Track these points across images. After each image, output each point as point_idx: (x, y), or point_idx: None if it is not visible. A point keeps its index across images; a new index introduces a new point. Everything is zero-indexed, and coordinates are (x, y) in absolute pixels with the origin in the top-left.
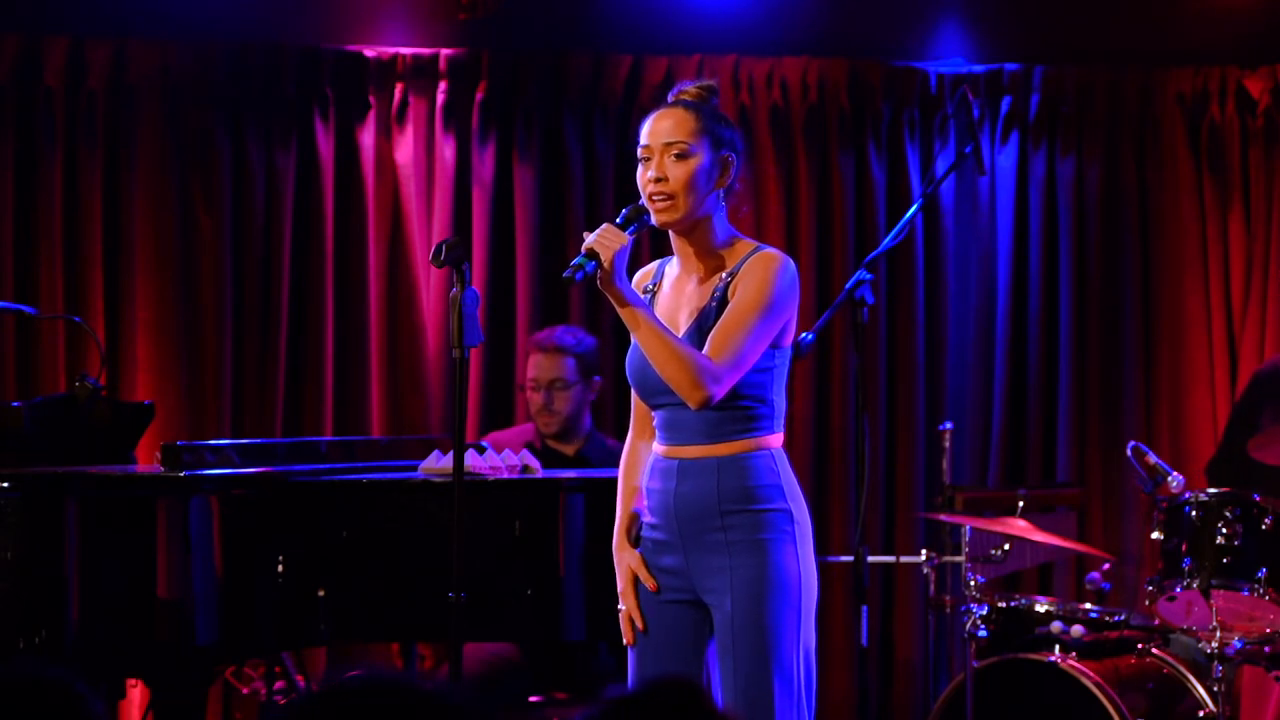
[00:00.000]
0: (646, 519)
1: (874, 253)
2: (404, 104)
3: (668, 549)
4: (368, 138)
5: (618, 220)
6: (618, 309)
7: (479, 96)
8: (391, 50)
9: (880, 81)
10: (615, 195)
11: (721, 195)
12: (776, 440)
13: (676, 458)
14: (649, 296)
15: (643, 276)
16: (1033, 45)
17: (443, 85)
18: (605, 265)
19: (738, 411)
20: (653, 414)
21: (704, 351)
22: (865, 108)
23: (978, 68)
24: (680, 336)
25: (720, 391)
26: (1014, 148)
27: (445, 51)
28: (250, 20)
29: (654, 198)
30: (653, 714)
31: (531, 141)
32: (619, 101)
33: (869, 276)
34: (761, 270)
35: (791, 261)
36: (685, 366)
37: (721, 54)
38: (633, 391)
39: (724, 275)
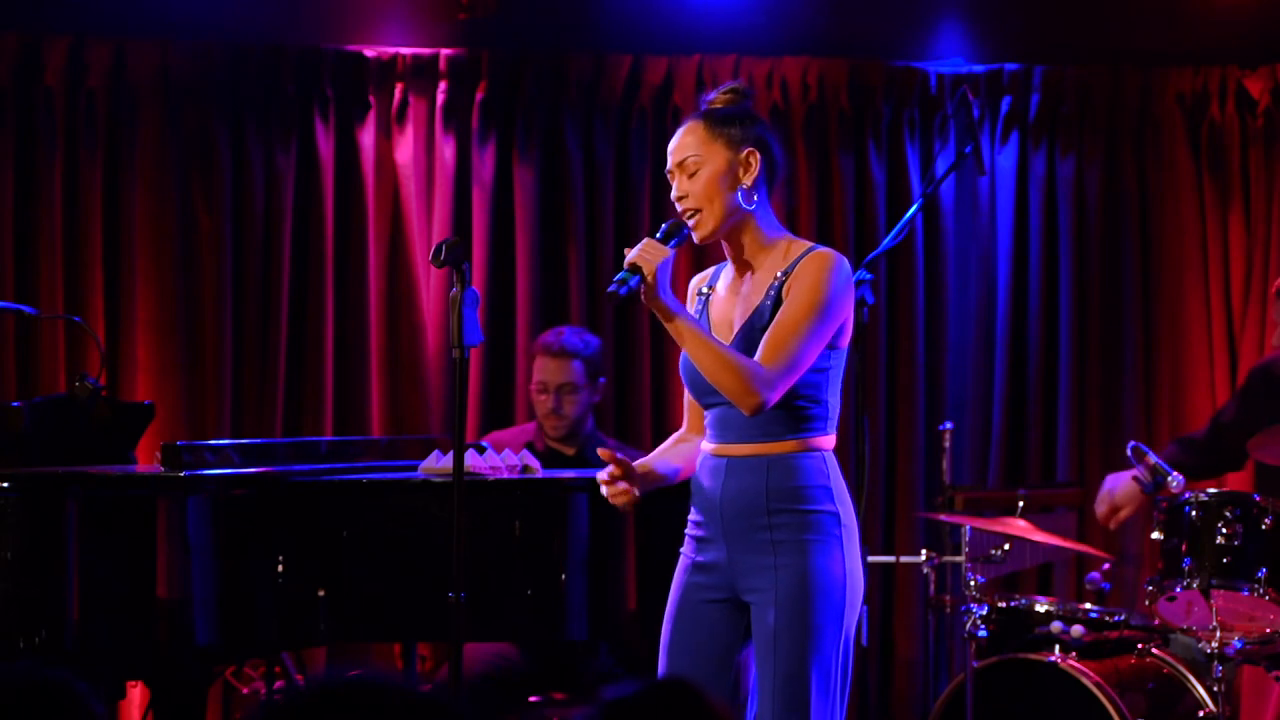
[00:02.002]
0: (690, 515)
1: (874, 253)
2: (404, 104)
3: (710, 545)
4: (368, 138)
5: (657, 235)
6: (664, 323)
7: (479, 96)
8: (391, 50)
9: (880, 81)
10: (615, 195)
11: (754, 193)
12: (828, 442)
13: (725, 456)
14: (703, 299)
15: (699, 280)
16: (1033, 45)
17: (443, 85)
18: (649, 279)
19: (791, 412)
20: (705, 412)
21: (757, 356)
22: (865, 108)
23: (978, 68)
24: (733, 337)
25: (774, 397)
26: (1014, 148)
27: (445, 51)
28: (250, 20)
29: (684, 216)
30: (652, 714)
31: (531, 141)
32: (619, 101)
33: (869, 276)
34: (815, 271)
35: (846, 261)
36: (736, 374)
37: (721, 54)
38: (685, 390)
39: (778, 274)
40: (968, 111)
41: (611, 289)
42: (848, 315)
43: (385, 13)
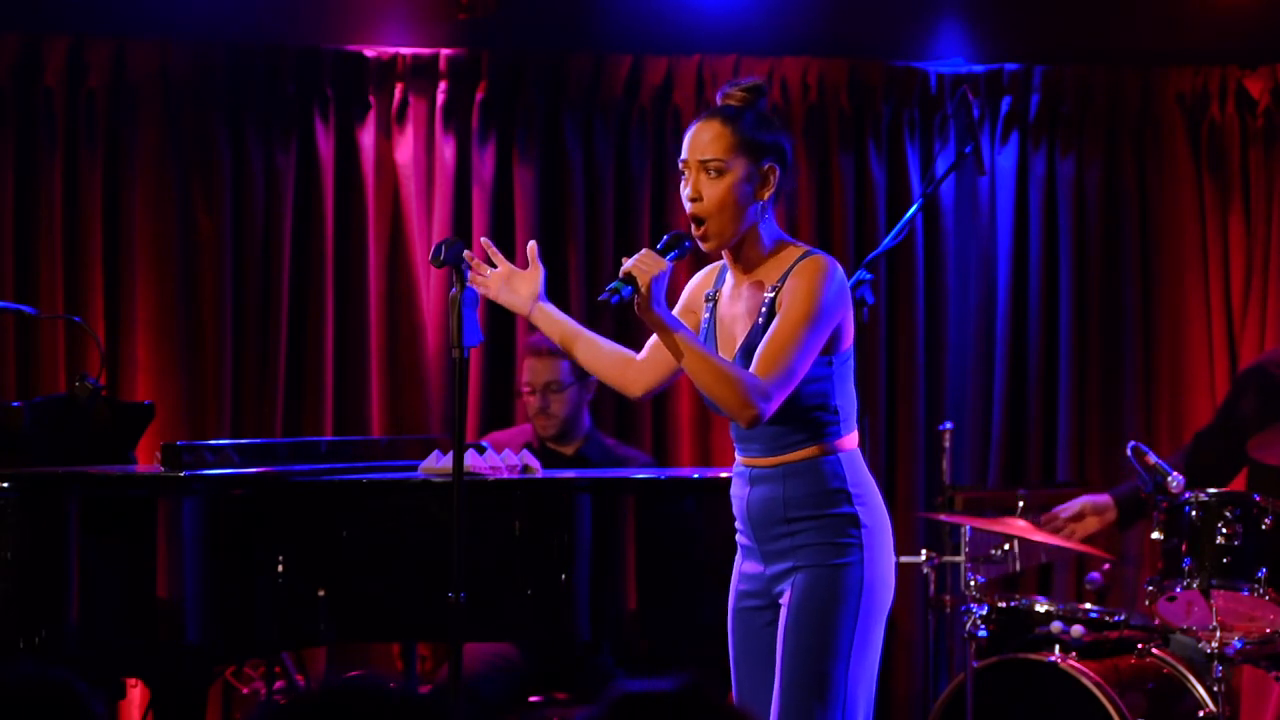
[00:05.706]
0: (737, 524)
1: (874, 253)
2: (404, 104)
3: (748, 554)
4: (368, 138)
5: (658, 246)
6: (658, 336)
7: (479, 96)
8: (391, 50)
9: (880, 81)
10: (615, 195)
11: (766, 208)
12: (845, 443)
13: (750, 467)
14: (710, 305)
15: (704, 280)
16: (1033, 45)
17: (443, 85)
18: (643, 291)
19: (803, 421)
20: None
21: (752, 369)
22: (865, 108)
23: (978, 68)
24: (735, 353)
25: (770, 408)
26: (1014, 148)
27: (445, 51)
28: (250, 20)
29: (692, 221)
30: (657, 714)
31: (531, 141)
32: (619, 101)
33: (869, 276)
34: (805, 280)
35: (837, 265)
36: (732, 387)
37: (721, 54)
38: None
39: (770, 287)
40: (968, 111)
41: (603, 297)
42: (843, 319)
43: (385, 13)
